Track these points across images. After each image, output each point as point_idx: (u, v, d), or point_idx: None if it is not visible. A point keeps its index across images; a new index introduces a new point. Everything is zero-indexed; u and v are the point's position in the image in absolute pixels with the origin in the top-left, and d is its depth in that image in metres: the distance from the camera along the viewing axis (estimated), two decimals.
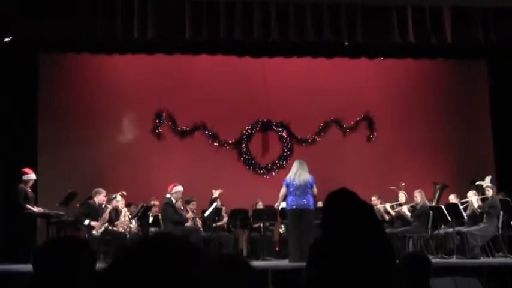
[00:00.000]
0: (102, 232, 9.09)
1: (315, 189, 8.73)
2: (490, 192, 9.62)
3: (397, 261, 3.42)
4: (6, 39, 9.52)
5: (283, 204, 9.37)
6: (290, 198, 8.67)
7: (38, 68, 11.25)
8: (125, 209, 9.76)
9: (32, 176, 9.62)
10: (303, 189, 8.63)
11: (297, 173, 8.70)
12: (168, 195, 9.66)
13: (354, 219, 2.39)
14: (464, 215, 9.55)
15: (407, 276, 3.23)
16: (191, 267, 1.04)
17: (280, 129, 12.22)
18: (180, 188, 9.74)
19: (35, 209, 9.40)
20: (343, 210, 2.44)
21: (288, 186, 8.73)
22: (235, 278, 1.69)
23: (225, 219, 10.53)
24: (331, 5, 9.46)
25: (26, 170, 9.62)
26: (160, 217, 9.84)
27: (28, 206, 9.29)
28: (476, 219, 9.55)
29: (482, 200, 9.66)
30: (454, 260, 8.98)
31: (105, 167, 11.22)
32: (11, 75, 10.53)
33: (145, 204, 9.68)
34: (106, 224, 9.18)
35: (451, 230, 9.52)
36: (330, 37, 9.50)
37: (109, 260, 1.07)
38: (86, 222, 9.06)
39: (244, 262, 1.75)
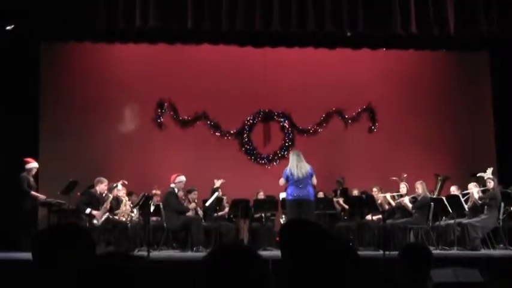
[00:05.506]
0: (103, 221, 9.10)
1: (314, 180, 8.72)
2: (491, 184, 9.61)
3: (398, 252, 3.43)
4: (8, 28, 9.50)
5: (283, 195, 9.32)
6: (291, 188, 8.66)
7: (40, 57, 11.22)
8: (126, 198, 9.76)
9: (34, 164, 9.66)
10: (304, 180, 8.62)
11: (297, 167, 8.66)
12: (172, 185, 9.68)
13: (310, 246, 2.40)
14: (465, 206, 9.56)
15: (408, 267, 3.25)
16: None
17: (282, 120, 12.20)
18: (183, 178, 9.77)
19: (39, 196, 9.47)
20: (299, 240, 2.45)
21: (287, 179, 8.72)
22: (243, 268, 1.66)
23: (226, 209, 10.55)
24: None
25: (28, 159, 9.65)
26: (161, 206, 9.85)
27: (32, 192, 9.37)
28: (477, 211, 9.55)
29: (483, 191, 9.65)
30: (454, 251, 8.99)
31: (106, 156, 11.23)
32: (13, 64, 10.50)
33: (146, 194, 9.69)
34: (107, 214, 9.19)
35: (451, 221, 9.53)
36: (331, 27, 9.46)
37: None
38: (88, 210, 9.06)
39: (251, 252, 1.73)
